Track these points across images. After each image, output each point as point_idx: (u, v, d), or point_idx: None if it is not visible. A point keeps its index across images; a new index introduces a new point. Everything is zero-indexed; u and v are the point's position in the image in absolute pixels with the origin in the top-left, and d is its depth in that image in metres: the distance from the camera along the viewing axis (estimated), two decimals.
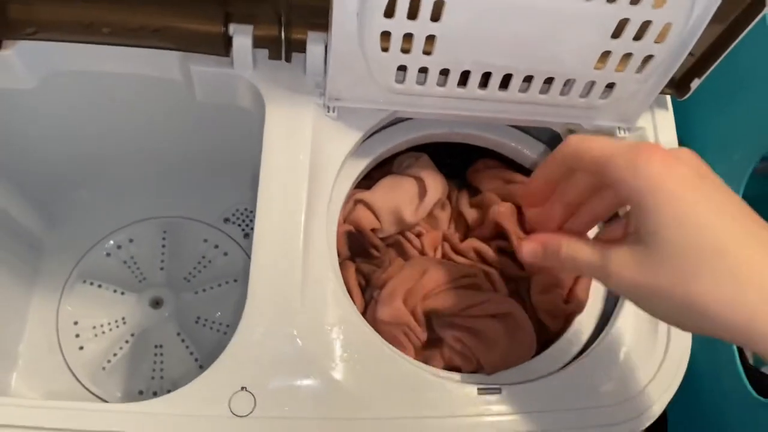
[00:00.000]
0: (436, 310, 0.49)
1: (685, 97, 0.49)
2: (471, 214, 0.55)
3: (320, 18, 0.45)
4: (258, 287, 0.43)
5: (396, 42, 0.42)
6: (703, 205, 0.32)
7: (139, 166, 0.80)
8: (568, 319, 0.50)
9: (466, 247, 0.53)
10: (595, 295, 0.51)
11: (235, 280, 0.86)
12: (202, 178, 0.85)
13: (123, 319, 0.83)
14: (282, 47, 0.46)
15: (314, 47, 0.46)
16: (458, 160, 0.61)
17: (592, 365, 0.46)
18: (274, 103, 0.47)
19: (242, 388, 0.41)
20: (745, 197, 0.40)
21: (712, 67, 0.46)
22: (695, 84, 0.47)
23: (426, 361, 0.48)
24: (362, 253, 0.56)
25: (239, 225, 0.89)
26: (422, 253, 0.55)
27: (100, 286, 0.84)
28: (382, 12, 0.40)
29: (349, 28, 0.42)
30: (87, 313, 0.82)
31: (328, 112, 0.48)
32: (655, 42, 0.42)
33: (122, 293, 0.83)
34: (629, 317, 0.48)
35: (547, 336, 0.51)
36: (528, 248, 0.39)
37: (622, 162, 0.33)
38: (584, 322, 0.50)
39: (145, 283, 0.84)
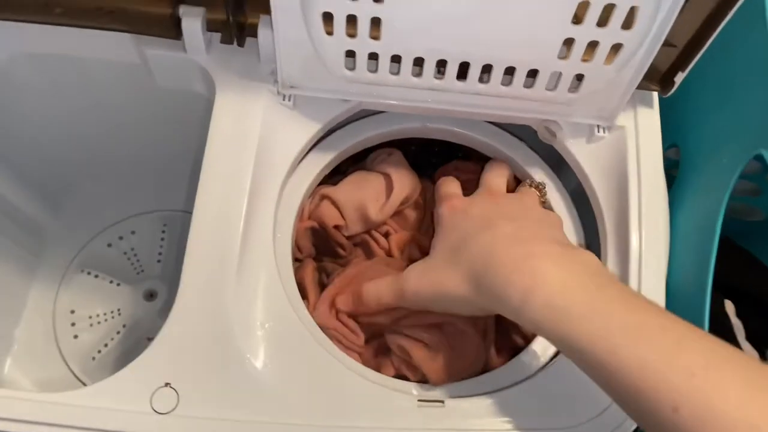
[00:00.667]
0: (374, 322, 0.46)
1: (670, 92, 0.45)
2: None
3: None
4: (190, 279, 0.41)
5: (339, 25, 0.39)
6: (464, 220, 0.43)
7: (140, 158, 0.80)
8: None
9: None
10: None
11: None
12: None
13: (118, 310, 0.83)
14: (232, 31, 0.44)
15: (266, 32, 0.44)
16: (441, 160, 0.59)
17: (554, 378, 0.42)
18: (224, 88, 0.45)
19: (166, 384, 0.39)
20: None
21: (696, 59, 0.41)
22: (679, 78, 0.43)
23: (378, 369, 0.46)
24: (328, 251, 0.54)
25: None
26: (389, 253, 0.52)
27: (97, 276, 0.84)
28: None
29: (291, 9, 0.39)
30: (84, 302, 0.83)
31: (284, 100, 0.46)
32: (623, 28, 0.38)
33: (118, 284, 0.83)
34: None
35: (516, 346, 0.48)
36: (340, 300, 0.47)
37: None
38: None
39: (142, 276, 0.84)
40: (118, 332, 0.81)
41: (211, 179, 0.43)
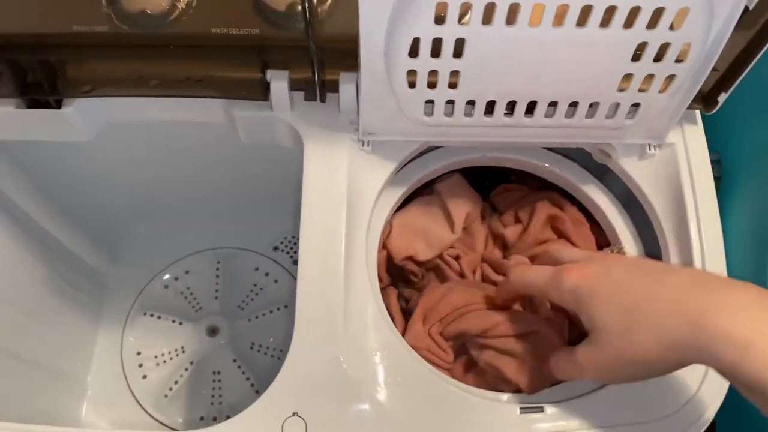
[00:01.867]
0: (462, 333, 0.51)
1: (713, 111, 0.50)
2: (511, 232, 0.57)
3: (351, 59, 0.48)
4: (304, 316, 0.46)
5: (422, 79, 0.44)
6: (616, 285, 0.40)
7: (191, 202, 0.85)
8: None
9: (506, 268, 0.55)
10: None
11: (286, 306, 0.89)
12: (251, 210, 0.88)
13: (182, 348, 0.87)
14: (316, 89, 0.49)
15: (346, 87, 0.49)
16: (494, 183, 0.63)
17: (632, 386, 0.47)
18: (311, 141, 0.50)
19: (294, 413, 0.44)
20: None
21: (738, 81, 0.46)
22: (722, 98, 0.48)
23: (470, 383, 0.50)
24: (402, 278, 0.58)
25: (287, 252, 0.93)
26: (461, 275, 0.57)
27: (159, 317, 0.88)
28: (407, 52, 0.42)
29: (377, 68, 0.44)
30: (148, 343, 0.87)
31: (363, 146, 0.51)
32: (676, 61, 0.43)
33: (180, 323, 0.88)
34: None
35: None
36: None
37: (552, 287, 0.43)
38: None
39: (201, 312, 0.88)
40: (186, 369, 0.85)
41: (311, 222, 0.48)
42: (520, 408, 0.45)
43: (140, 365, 0.86)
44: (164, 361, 0.86)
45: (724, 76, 0.47)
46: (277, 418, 0.44)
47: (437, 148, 0.57)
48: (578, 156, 0.57)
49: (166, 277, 0.91)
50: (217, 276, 0.91)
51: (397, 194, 0.56)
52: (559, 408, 0.45)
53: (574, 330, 0.51)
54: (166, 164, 0.68)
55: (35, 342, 0.74)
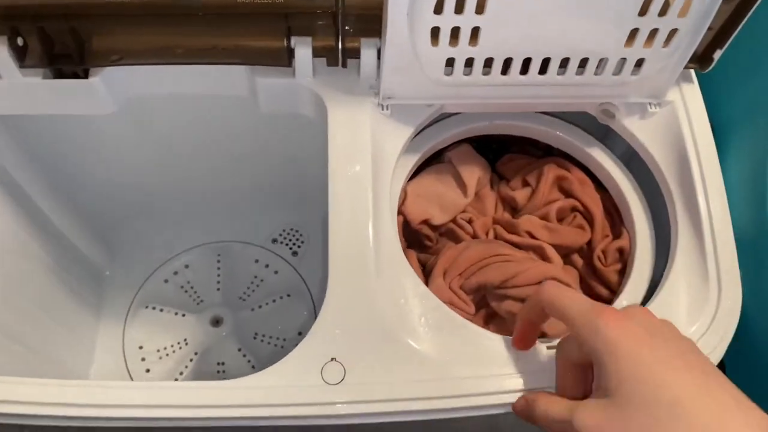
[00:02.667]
0: (482, 285, 0.53)
1: (708, 69, 0.53)
2: (520, 195, 0.60)
3: (371, 25, 0.50)
4: (336, 269, 0.47)
5: (444, 36, 0.47)
6: (657, 361, 0.36)
7: (192, 194, 0.85)
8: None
9: (517, 227, 0.57)
10: (644, 256, 0.55)
11: (289, 295, 0.90)
12: (250, 203, 0.90)
13: (185, 340, 0.87)
14: (339, 54, 0.51)
15: (368, 52, 0.51)
16: (498, 155, 0.66)
17: None
18: (334, 105, 0.52)
19: (332, 359, 0.45)
20: None
21: (732, 38, 0.50)
22: (717, 55, 0.52)
23: None
24: (416, 242, 0.60)
25: (286, 244, 0.94)
26: (475, 237, 0.59)
27: (161, 310, 0.88)
28: (432, 9, 0.45)
29: (401, 29, 0.46)
30: (151, 336, 0.87)
31: (383, 110, 0.53)
32: (679, 16, 0.46)
33: (183, 315, 0.88)
34: (679, 276, 0.51)
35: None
36: (518, 404, 0.44)
37: (584, 323, 0.39)
38: (637, 286, 0.53)
39: (203, 305, 0.89)
40: (191, 360, 0.86)
41: (339, 182, 0.50)
42: (547, 346, 0.47)
43: (143, 359, 0.86)
44: (167, 354, 0.86)
45: (718, 34, 0.51)
46: (316, 363, 0.45)
47: (447, 117, 0.59)
48: (581, 121, 0.60)
49: (166, 271, 0.91)
50: (218, 269, 0.92)
51: (411, 162, 0.58)
52: None
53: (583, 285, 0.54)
54: (175, 146, 0.69)
55: (40, 332, 0.74)
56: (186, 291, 0.91)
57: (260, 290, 0.91)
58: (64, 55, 0.50)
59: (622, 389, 0.36)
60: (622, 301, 0.53)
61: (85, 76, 0.52)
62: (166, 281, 0.91)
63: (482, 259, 0.54)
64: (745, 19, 0.48)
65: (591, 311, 0.39)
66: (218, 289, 0.90)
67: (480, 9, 0.45)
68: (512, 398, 0.45)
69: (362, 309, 0.47)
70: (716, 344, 0.48)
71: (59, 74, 0.51)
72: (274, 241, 0.94)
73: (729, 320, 0.49)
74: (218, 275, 0.92)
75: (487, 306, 0.54)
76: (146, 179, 0.79)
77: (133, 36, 0.51)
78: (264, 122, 0.60)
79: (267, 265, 0.93)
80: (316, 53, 0.52)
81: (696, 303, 0.50)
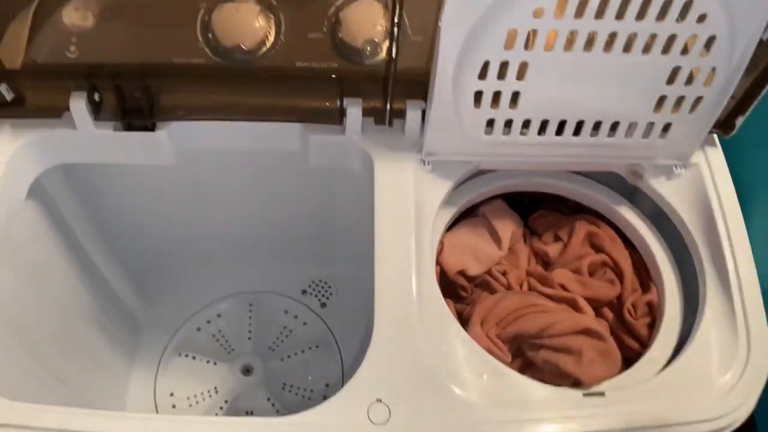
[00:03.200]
0: (519, 334, 0.55)
1: (731, 134, 0.57)
2: (552, 249, 0.63)
3: (416, 88, 0.55)
4: (382, 313, 0.50)
5: (486, 99, 0.51)
6: None
7: (227, 245, 0.89)
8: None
9: (550, 280, 0.60)
10: (673, 310, 0.57)
11: (317, 346, 0.92)
12: (282, 255, 0.93)
13: (215, 388, 0.89)
14: (387, 115, 0.56)
15: (413, 112, 0.56)
16: (530, 210, 0.69)
17: (681, 372, 0.51)
18: (381, 160, 0.56)
19: (378, 399, 0.47)
20: None
21: (753, 106, 0.54)
22: (739, 121, 0.55)
23: None
24: (452, 292, 0.63)
25: (316, 296, 0.97)
26: (509, 288, 0.62)
27: (194, 357, 0.90)
28: (477, 75, 0.49)
29: (447, 92, 0.51)
30: (182, 384, 0.89)
31: (425, 165, 0.57)
32: (703, 86, 0.50)
33: (215, 363, 0.90)
34: (709, 330, 0.53)
35: (629, 355, 0.57)
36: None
37: None
38: (667, 339, 0.55)
39: (234, 354, 0.91)
40: (221, 408, 0.87)
41: (385, 230, 0.53)
42: (583, 393, 0.49)
43: (173, 406, 0.87)
44: (197, 402, 0.88)
45: (739, 102, 0.55)
46: (362, 404, 0.47)
47: (482, 174, 0.63)
48: (609, 181, 0.64)
49: (199, 319, 0.94)
50: (250, 318, 0.94)
51: (447, 215, 0.62)
52: (619, 393, 0.49)
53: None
54: (221, 198, 0.73)
55: (78, 372, 0.76)
56: (218, 340, 0.93)
57: (289, 340, 0.93)
58: (136, 110, 0.55)
59: None
60: (653, 353, 0.55)
61: (153, 129, 0.56)
62: (198, 329, 0.94)
63: (518, 309, 0.56)
64: (765, 90, 0.52)
65: None
66: (249, 339, 0.93)
67: (521, 75, 0.49)
68: None
69: (407, 353, 0.49)
70: (746, 397, 0.50)
71: (129, 127, 0.56)
72: (304, 292, 0.97)
73: (759, 374, 0.51)
74: (249, 324, 0.94)
75: (523, 355, 0.56)
76: (187, 229, 0.83)
77: (199, 94, 0.56)
78: (309, 176, 0.64)
79: (296, 316, 0.95)
80: (365, 113, 0.56)
81: (726, 356, 0.51)
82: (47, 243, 0.66)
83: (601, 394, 0.49)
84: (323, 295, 0.97)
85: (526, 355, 0.56)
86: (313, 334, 0.94)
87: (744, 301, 0.53)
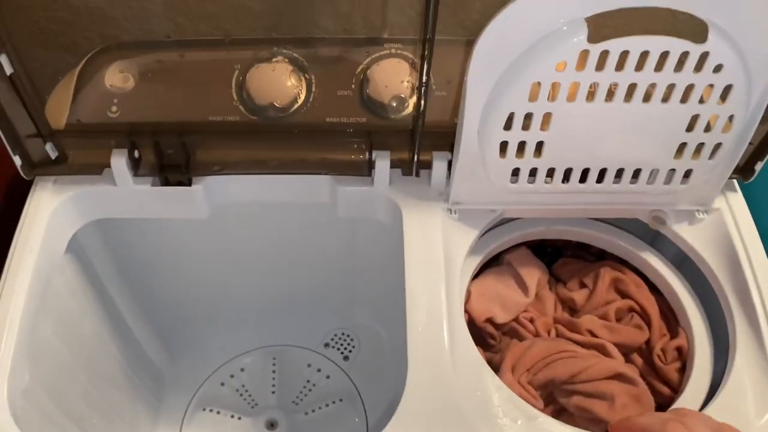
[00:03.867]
0: (550, 380, 0.56)
1: (751, 179, 0.58)
2: (578, 296, 0.63)
3: (442, 140, 0.57)
4: (415, 361, 0.51)
5: (512, 149, 0.53)
6: None
7: (251, 299, 0.90)
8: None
9: (578, 326, 0.60)
10: (703, 354, 0.57)
11: (341, 400, 0.92)
12: (305, 307, 0.94)
13: None
14: (414, 166, 0.58)
15: (439, 163, 0.58)
16: (553, 258, 0.70)
17: (718, 415, 0.51)
18: (408, 209, 0.58)
19: None
20: None
21: None
22: (759, 167, 0.57)
23: None
24: (481, 341, 0.63)
25: (338, 349, 0.97)
26: (537, 336, 0.62)
27: (218, 412, 0.90)
28: (502, 126, 0.51)
29: (472, 143, 0.53)
30: None
31: (451, 213, 0.58)
32: (722, 132, 0.52)
33: (239, 418, 0.90)
34: (742, 372, 0.53)
35: (661, 401, 0.57)
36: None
37: None
38: (698, 383, 0.55)
39: (257, 408, 0.90)
40: None
41: (415, 279, 0.54)
42: None
43: None
44: None
45: (758, 148, 0.57)
46: None
47: (506, 223, 0.64)
48: (631, 228, 0.65)
49: (223, 374, 0.94)
50: (273, 372, 0.94)
51: (473, 264, 0.63)
52: None
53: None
54: (249, 251, 0.75)
55: (105, 426, 0.76)
56: (241, 394, 0.93)
57: (313, 394, 0.93)
58: (173, 166, 0.57)
59: None
60: (685, 397, 0.55)
61: (189, 184, 0.58)
62: (222, 384, 0.94)
63: (549, 355, 0.57)
64: None
65: None
66: (273, 392, 0.93)
67: (544, 126, 0.51)
68: None
69: (441, 399, 0.49)
70: None
71: (166, 182, 0.58)
72: (326, 345, 0.97)
73: None
74: (273, 378, 0.94)
75: (554, 401, 0.56)
76: (213, 285, 0.84)
77: (233, 150, 0.58)
78: (336, 228, 0.65)
79: (319, 370, 0.95)
80: (393, 165, 0.58)
81: (761, 399, 0.51)
82: (81, 299, 0.68)
83: None
84: (346, 348, 0.97)
85: (558, 401, 0.56)
86: (336, 387, 0.93)
87: None
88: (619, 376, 0.54)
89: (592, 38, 0.45)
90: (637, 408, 0.53)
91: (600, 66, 0.47)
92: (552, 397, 0.57)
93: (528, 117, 0.51)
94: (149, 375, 0.90)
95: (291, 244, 0.73)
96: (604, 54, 0.46)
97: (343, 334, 0.98)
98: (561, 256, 0.69)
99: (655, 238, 0.64)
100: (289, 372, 0.95)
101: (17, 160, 0.55)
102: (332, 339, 0.98)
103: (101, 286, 0.72)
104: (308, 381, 0.94)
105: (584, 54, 0.47)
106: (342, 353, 0.97)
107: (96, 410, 0.73)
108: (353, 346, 0.97)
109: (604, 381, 0.54)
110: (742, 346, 0.54)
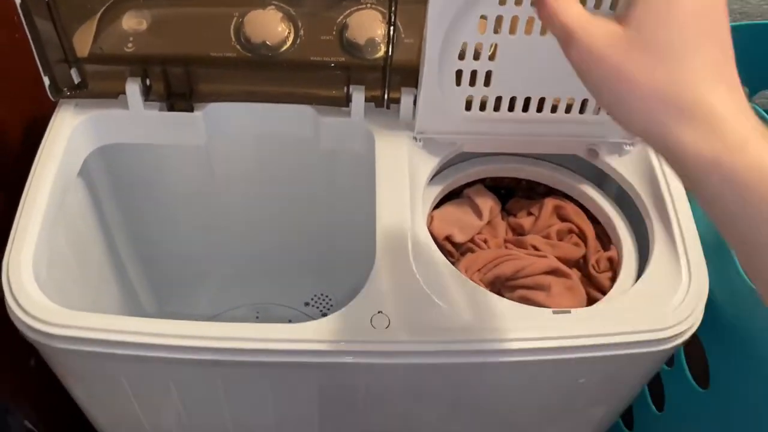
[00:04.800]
0: (498, 277, 0.65)
1: None
2: (526, 221, 0.73)
3: (409, 79, 0.67)
4: (383, 248, 0.60)
5: (465, 79, 0.63)
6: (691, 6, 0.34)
7: (238, 258, 0.98)
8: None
9: (525, 242, 0.70)
10: (629, 264, 0.67)
11: None
12: (287, 269, 1.02)
13: None
14: (385, 100, 0.68)
15: (407, 98, 0.68)
16: (507, 197, 0.80)
17: (638, 296, 0.61)
18: (380, 137, 0.68)
19: (379, 311, 0.56)
20: None
21: None
22: None
23: None
24: None
25: (317, 308, 1.05)
26: None
27: None
28: (457, 56, 0.62)
29: (433, 72, 0.63)
30: None
31: (416, 141, 0.68)
32: None
33: None
34: (659, 264, 0.63)
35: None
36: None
37: None
38: (624, 286, 0.65)
39: None
40: None
41: (385, 191, 0.64)
42: (552, 311, 0.58)
43: None
44: None
45: None
46: (365, 314, 0.56)
47: (466, 161, 0.75)
48: (574, 166, 0.75)
49: None
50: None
51: (434, 193, 0.73)
52: (583, 311, 0.59)
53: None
54: (239, 186, 0.83)
55: None
56: None
57: None
58: (178, 94, 0.67)
59: (643, 22, 0.34)
60: (613, 294, 0.64)
61: (191, 110, 0.68)
62: None
63: (497, 258, 0.66)
64: None
65: None
66: None
67: (492, 57, 0.62)
68: (522, 345, 0.55)
69: (403, 277, 0.58)
70: (688, 314, 0.59)
71: (171, 108, 0.68)
72: (306, 304, 1.06)
73: (698, 298, 0.60)
74: None
75: (501, 297, 0.66)
76: (202, 239, 0.93)
77: (230, 82, 0.68)
78: (320, 161, 0.75)
79: None
80: (367, 99, 0.68)
81: (673, 282, 0.61)
82: (89, 221, 0.76)
83: (568, 311, 0.58)
84: (324, 307, 1.05)
85: (505, 296, 0.65)
86: None
87: (686, 247, 0.63)
88: (555, 271, 0.64)
89: None
90: (570, 296, 0.63)
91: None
92: (500, 294, 0.66)
93: (478, 48, 0.61)
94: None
95: (276, 185, 0.83)
96: None
97: (322, 294, 1.06)
98: (513, 197, 0.80)
99: (601, 179, 0.75)
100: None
101: (46, 81, 0.64)
102: (312, 298, 1.06)
103: (104, 218, 0.80)
104: None
105: None
106: (321, 311, 1.05)
107: None
108: (331, 305, 1.05)
109: (542, 275, 0.64)
110: (658, 247, 0.64)
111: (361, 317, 0.56)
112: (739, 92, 0.34)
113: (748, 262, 0.34)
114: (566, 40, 0.37)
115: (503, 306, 0.58)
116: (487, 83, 0.64)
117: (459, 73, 0.64)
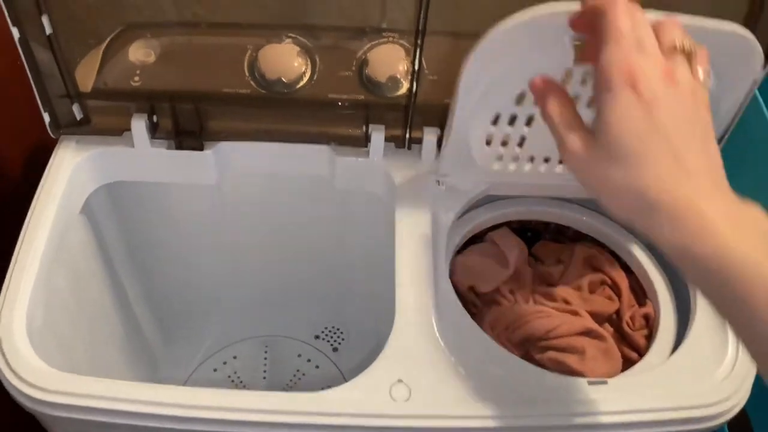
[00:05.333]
0: (527, 337, 0.60)
1: None
2: (555, 270, 0.68)
3: (432, 117, 0.63)
4: (404, 305, 0.55)
5: (497, 141, 0.59)
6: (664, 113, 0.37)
7: (248, 289, 0.94)
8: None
9: (554, 295, 0.65)
10: (667, 322, 0.62)
11: (329, 387, 0.95)
12: (297, 300, 0.98)
13: None
14: (406, 140, 0.63)
15: (429, 138, 0.64)
16: (533, 240, 0.75)
17: (680, 366, 0.56)
18: (401, 178, 0.63)
19: (399, 380, 0.52)
20: None
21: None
22: None
23: None
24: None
25: (328, 341, 1.01)
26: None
27: None
28: (489, 121, 0.57)
29: (462, 129, 0.58)
30: None
31: (439, 185, 0.64)
32: None
33: None
34: (701, 330, 0.58)
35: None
36: (536, 80, 0.44)
37: (614, 51, 0.38)
38: (662, 347, 0.60)
39: None
40: None
41: (406, 234, 0.59)
42: (588, 381, 0.53)
43: None
44: None
45: None
46: (385, 383, 0.51)
47: (490, 202, 0.70)
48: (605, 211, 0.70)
49: (216, 360, 0.97)
50: (265, 359, 0.98)
51: (458, 236, 0.68)
52: (620, 380, 0.54)
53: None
54: (250, 227, 0.80)
55: None
56: (233, 381, 0.96)
57: (302, 382, 0.96)
58: (188, 132, 0.63)
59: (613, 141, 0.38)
60: (650, 357, 0.59)
61: (201, 149, 0.64)
62: (215, 370, 0.97)
63: (526, 315, 0.61)
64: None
65: (630, 46, 0.38)
66: (264, 378, 0.96)
67: (528, 123, 0.57)
68: (555, 421, 0.50)
69: (425, 341, 0.54)
70: (735, 390, 0.54)
71: (179, 146, 0.63)
72: (317, 337, 1.01)
73: (747, 371, 0.55)
74: (264, 366, 0.98)
75: (531, 359, 0.61)
76: (210, 271, 0.89)
77: (243, 120, 0.64)
78: (335, 201, 0.71)
79: (309, 360, 0.99)
80: (387, 139, 0.64)
81: (718, 352, 0.56)
82: (90, 261, 0.72)
83: (604, 382, 0.53)
84: (335, 341, 1.01)
85: (534, 358, 0.60)
86: (325, 377, 0.97)
87: None
88: (589, 332, 0.59)
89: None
90: (605, 360, 0.58)
91: (582, 82, 0.51)
92: (529, 355, 0.61)
93: (513, 117, 0.57)
94: (144, 353, 0.93)
95: (290, 224, 0.78)
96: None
97: (333, 327, 1.02)
98: (540, 240, 0.75)
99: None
100: (280, 361, 0.98)
101: (46, 117, 0.60)
102: (322, 331, 1.02)
103: (107, 255, 0.76)
104: (298, 370, 0.97)
105: (569, 72, 0.51)
106: (332, 345, 1.01)
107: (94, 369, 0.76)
108: (342, 339, 1.01)
109: (576, 336, 0.59)
110: (701, 311, 0.59)
111: (380, 386, 0.51)
112: (705, 180, 0.37)
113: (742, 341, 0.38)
114: (558, 143, 0.42)
115: (534, 375, 0.53)
116: (520, 144, 0.60)
117: (490, 136, 0.59)
